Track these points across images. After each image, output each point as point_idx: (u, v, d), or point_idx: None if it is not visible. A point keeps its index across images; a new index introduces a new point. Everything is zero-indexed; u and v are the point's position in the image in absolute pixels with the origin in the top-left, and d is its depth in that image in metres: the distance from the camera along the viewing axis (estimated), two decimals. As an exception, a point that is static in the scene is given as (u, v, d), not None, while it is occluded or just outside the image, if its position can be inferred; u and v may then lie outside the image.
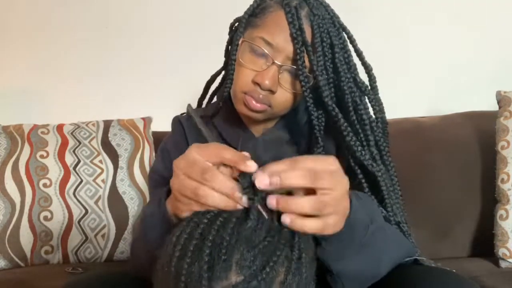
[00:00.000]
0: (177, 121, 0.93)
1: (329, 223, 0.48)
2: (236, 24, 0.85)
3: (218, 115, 0.88)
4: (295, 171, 0.46)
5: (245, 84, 0.76)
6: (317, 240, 0.54)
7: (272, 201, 0.47)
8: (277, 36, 0.74)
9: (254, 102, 0.76)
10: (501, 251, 1.14)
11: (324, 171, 0.47)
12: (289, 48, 0.74)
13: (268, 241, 0.45)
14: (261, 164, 0.48)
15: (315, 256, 0.52)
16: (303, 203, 0.47)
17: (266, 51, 0.75)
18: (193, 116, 0.59)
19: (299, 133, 0.84)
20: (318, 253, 0.55)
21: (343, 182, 0.49)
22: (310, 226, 0.47)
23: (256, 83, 0.75)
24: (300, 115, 0.86)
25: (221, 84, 0.95)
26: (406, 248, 0.70)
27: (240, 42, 0.79)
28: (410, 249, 0.71)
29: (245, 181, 0.48)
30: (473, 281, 0.62)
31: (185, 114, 0.95)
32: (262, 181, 0.46)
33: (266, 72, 0.74)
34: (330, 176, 0.47)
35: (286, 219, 0.47)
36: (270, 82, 0.74)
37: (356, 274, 0.60)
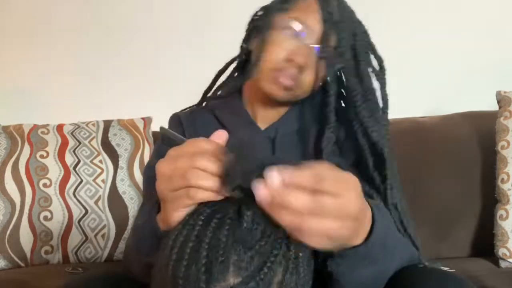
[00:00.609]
0: (175, 118, 0.93)
1: (328, 228, 0.45)
2: (260, 12, 0.88)
3: (221, 108, 0.90)
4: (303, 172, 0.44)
5: (277, 62, 0.79)
6: (330, 253, 0.52)
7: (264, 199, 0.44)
8: (308, 17, 0.79)
9: (285, 78, 0.79)
10: (501, 251, 1.14)
11: (331, 175, 0.45)
12: (318, 29, 0.79)
13: (264, 241, 0.44)
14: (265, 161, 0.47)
15: (312, 255, 0.51)
16: (299, 197, 0.44)
17: (297, 30, 0.79)
18: (168, 135, 0.57)
19: (307, 125, 0.86)
20: (329, 265, 0.54)
21: (353, 186, 0.47)
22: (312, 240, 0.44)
23: (289, 60, 0.78)
24: (309, 107, 0.88)
25: (230, 76, 0.95)
26: (412, 253, 0.70)
27: (271, 23, 0.82)
28: (414, 253, 0.71)
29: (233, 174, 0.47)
30: (471, 281, 0.62)
31: (186, 110, 0.95)
32: (272, 176, 0.44)
33: (299, 49, 0.78)
34: (336, 181, 0.45)
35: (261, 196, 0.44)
36: (303, 59, 0.78)
37: (362, 283, 0.59)
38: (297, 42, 0.79)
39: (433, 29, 1.60)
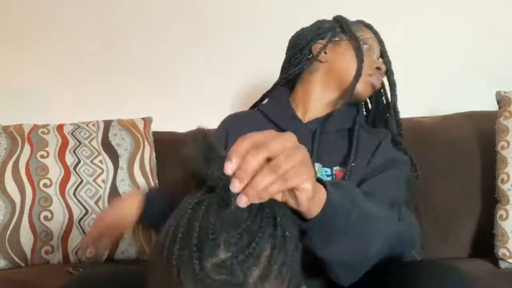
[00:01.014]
0: (223, 122, 1.09)
1: (288, 178, 0.47)
2: (329, 31, 1.05)
3: (268, 104, 1.10)
4: (250, 156, 0.46)
5: (370, 69, 1.01)
6: (303, 230, 0.56)
7: (243, 199, 0.46)
8: (373, 39, 1.04)
9: (378, 80, 1.03)
10: (501, 251, 1.14)
11: (266, 138, 0.47)
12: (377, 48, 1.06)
13: (251, 220, 0.47)
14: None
15: (300, 240, 0.53)
16: (264, 176, 0.46)
17: (375, 47, 1.03)
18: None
19: (349, 126, 1.00)
20: (306, 241, 0.57)
21: (287, 138, 0.48)
22: (272, 189, 0.46)
23: (377, 68, 1.02)
24: (350, 113, 1.02)
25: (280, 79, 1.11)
26: (397, 232, 0.72)
27: (352, 39, 1.01)
28: (401, 233, 0.74)
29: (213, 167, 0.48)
30: (472, 277, 0.63)
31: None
32: (233, 184, 0.46)
33: (379, 61, 1.04)
34: (273, 139, 0.47)
35: (242, 199, 0.46)
36: (384, 67, 1.03)
37: (344, 259, 0.62)
38: (372, 56, 1.02)
39: (433, 29, 1.60)
